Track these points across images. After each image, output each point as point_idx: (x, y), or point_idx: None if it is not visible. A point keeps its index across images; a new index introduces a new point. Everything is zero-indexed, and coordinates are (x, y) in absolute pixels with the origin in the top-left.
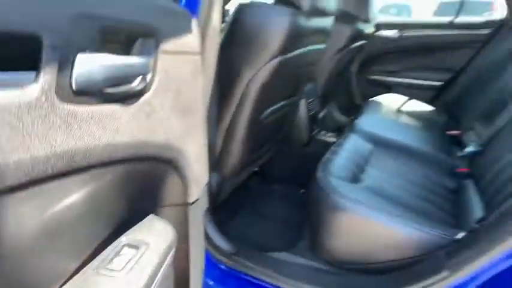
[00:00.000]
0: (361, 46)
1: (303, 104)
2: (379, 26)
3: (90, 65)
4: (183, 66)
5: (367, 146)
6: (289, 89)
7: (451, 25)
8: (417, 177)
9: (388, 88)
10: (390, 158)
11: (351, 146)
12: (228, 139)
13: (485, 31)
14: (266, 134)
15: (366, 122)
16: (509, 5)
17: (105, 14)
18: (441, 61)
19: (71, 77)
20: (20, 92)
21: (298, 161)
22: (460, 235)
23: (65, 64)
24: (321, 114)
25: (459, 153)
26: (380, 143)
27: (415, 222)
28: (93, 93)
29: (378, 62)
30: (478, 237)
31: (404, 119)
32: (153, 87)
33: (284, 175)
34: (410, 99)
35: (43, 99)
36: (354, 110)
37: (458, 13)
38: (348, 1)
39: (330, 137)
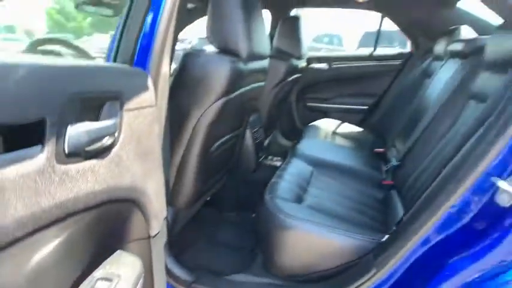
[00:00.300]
0: (297, 78)
1: (248, 134)
2: (310, 60)
3: (76, 132)
4: (142, 119)
5: (308, 168)
6: (235, 123)
7: (371, 57)
8: (351, 192)
9: (324, 113)
10: (328, 177)
11: (294, 170)
12: (180, 174)
13: (398, 61)
14: (216, 165)
15: (306, 146)
16: (412, 41)
17: (87, 89)
18: (366, 88)
19: (64, 144)
20: (33, 161)
21: (247, 187)
22: (385, 237)
23: (61, 136)
24: (266, 141)
25: (384, 168)
26: (319, 165)
27: (349, 232)
28: (79, 153)
29: (312, 90)
30: (396, 236)
31: (339, 140)
32: (120, 140)
33: (235, 202)
34: (342, 122)
35: (47, 164)
36: (296, 134)
37: (375, 47)
38: (282, 41)
39: (276, 161)
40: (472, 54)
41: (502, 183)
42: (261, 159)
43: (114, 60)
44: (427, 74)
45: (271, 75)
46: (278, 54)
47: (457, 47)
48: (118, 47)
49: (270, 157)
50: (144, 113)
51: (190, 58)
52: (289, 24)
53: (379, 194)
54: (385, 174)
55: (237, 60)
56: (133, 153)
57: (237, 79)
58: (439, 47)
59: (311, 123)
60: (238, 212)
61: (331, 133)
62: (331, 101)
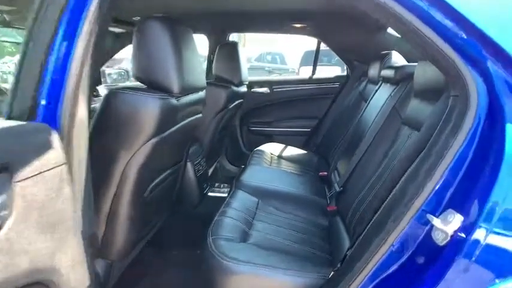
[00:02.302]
0: (239, 104)
1: (189, 167)
2: (252, 84)
3: None
4: (44, 185)
5: (253, 200)
6: (173, 158)
7: (310, 80)
8: (297, 222)
9: (269, 137)
10: (274, 208)
11: (238, 203)
12: (111, 223)
13: (336, 84)
14: (153, 208)
15: (250, 175)
16: (347, 65)
17: None
18: (307, 110)
19: None
20: None
21: (192, 223)
22: (331, 274)
23: None
24: (211, 170)
25: (328, 194)
26: (264, 195)
27: (295, 270)
28: None
29: (255, 115)
30: (342, 272)
31: (284, 164)
32: (10, 220)
33: (179, 239)
34: (286, 146)
35: None
36: (242, 159)
37: (314, 71)
38: (221, 68)
39: (223, 189)
40: (403, 81)
41: (436, 221)
42: (205, 191)
43: (9, 116)
44: (364, 97)
45: (211, 103)
46: (218, 82)
47: (389, 73)
48: (14, 95)
49: (217, 185)
50: (48, 176)
51: (115, 96)
52: (227, 51)
53: (324, 221)
54: (329, 199)
55: (168, 96)
56: (33, 229)
57: (169, 117)
58: (373, 71)
59: (256, 149)
60: (183, 249)
61: (276, 157)
62: (275, 124)
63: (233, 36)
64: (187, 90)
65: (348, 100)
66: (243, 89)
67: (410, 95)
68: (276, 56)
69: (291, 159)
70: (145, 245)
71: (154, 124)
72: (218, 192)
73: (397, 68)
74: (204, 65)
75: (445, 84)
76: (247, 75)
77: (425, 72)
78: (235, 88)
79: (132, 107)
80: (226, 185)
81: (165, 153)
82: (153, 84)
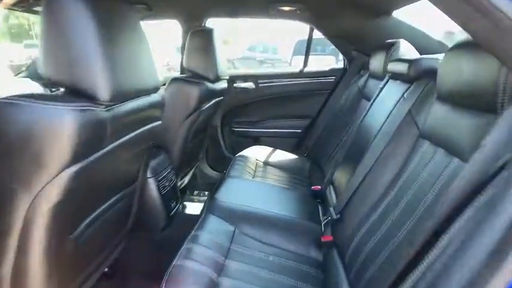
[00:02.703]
0: (219, 101)
1: (152, 184)
2: (233, 79)
3: None
4: None
5: (227, 230)
6: (118, 183)
7: (301, 74)
8: (284, 259)
9: (254, 139)
10: (254, 240)
11: (208, 237)
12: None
13: (332, 78)
14: (91, 247)
15: (227, 193)
16: (345, 56)
17: None
18: (298, 109)
19: None
20: None
21: (157, 247)
22: None
23: None
24: (188, 178)
25: (323, 221)
26: (243, 220)
27: None
28: None
29: (239, 114)
30: None
31: (271, 174)
32: None
33: (143, 269)
34: (274, 149)
35: None
36: (224, 164)
37: (306, 63)
38: (193, 60)
39: (203, 197)
40: (418, 78)
41: None
42: (175, 209)
43: None
44: (364, 95)
45: (180, 104)
46: (189, 78)
47: (399, 67)
48: None
49: (196, 193)
50: None
51: (5, 109)
52: (200, 39)
53: (318, 255)
54: (323, 226)
55: (93, 106)
56: None
57: (100, 133)
58: (376, 64)
59: (238, 154)
60: (147, 280)
61: (262, 164)
62: (261, 124)
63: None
64: (127, 95)
65: (345, 97)
66: (222, 84)
67: (430, 99)
68: (268, 46)
69: (279, 167)
70: (100, 277)
71: (71, 147)
72: (198, 201)
73: (410, 62)
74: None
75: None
76: (226, 69)
77: (459, 67)
78: (210, 85)
79: (34, 122)
80: (206, 192)
81: (100, 180)
82: (72, 90)
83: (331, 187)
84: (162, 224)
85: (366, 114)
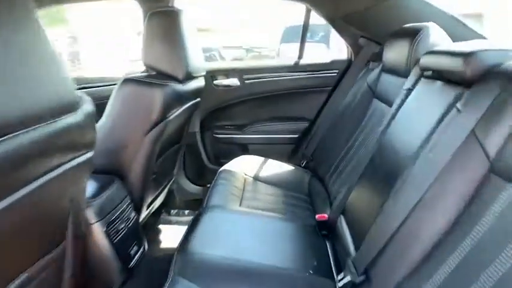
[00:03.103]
0: (195, 104)
1: (98, 231)
2: (213, 74)
3: None
4: None
5: None
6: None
7: (296, 68)
8: None
9: (242, 146)
10: None
11: None
12: None
13: (334, 73)
14: None
15: (204, 237)
16: (350, 45)
17: None
18: (294, 109)
19: None
20: None
21: None
22: None
23: None
24: (156, 204)
25: (338, 281)
26: (224, 283)
27: None
28: None
29: (222, 116)
30: None
31: (263, 191)
32: None
33: None
34: (266, 160)
35: None
36: (207, 176)
37: (301, 54)
38: (151, 53)
39: (182, 217)
40: (479, 81)
41: None
42: (138, 255)
43: None
44: (378, 94)
45: (138, 113)
46: (147, 78)
47: (446, 62)
48: None
49: (174, 212)
50: None
51: None
52: (162, 24)
53: None
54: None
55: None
56: None
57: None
58: (393, 55)
59: (222, 169)
60: None
61: (252, 180)
62: (249, 129)
63: None
64: None
65: (351, 95)
66: (197, 83)
67: (505, 115)
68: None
69: (272, 182)
70: None
71: None
72: (177, 223)
73: (466, 56)
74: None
75: None
76: (202, 63)
77: None
78: (179, 86)
79: None
80: (186, 211)
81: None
82: None
83: (343, 218)
84: (117, 280)
85: (387, 125)
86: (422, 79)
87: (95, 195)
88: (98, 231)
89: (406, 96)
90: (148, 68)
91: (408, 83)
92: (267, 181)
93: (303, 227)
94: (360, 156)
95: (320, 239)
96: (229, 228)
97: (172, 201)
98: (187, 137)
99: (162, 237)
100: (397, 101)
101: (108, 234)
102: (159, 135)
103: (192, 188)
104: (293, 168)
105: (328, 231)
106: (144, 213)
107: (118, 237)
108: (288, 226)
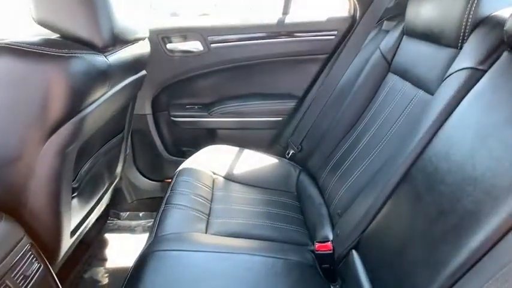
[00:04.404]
0: (136, 81)
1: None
2: (166, 34)
3: None
4: None
5: None
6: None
7: (280, 27)
8: None
9: (210, 133)
10: None
11: None
12: None
13: (330, 35)
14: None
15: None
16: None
17: None
18: (277, 84)
19: None
20: None
21: None
22: None
23: None
24: (107, 195)
25: None
26: None
27: None
28: None
29: (181, 93)
30: None
31: (239, 200)
32: None
33: None
34: (241, 150)
35: None
36: (164, 166)
37: (286, 8)
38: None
39: (133, 221)
40: None
41: None
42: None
43: None
44: (396, 68)
45: (26, 106)
46: (43, 44)
47: None
48: None
49: (125, 215)
50: None
51: None
52: None
53: None
54: None
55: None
56: None
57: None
58: (429, 13)
59: (183, 166)
60: None
61: (222, 181)
62: (217, 109)
63: None
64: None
65: (355, 66)
66: (137, 50)
67: None
68: None
69: (250, 183)
70: None
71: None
72: (129, 231)
73: None
74: None
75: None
76: (143, 18)
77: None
78: (98, 58)
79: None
80: (141, 214)
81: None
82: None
83: (355, 254)
84: None
85: (436, 119)
86: (507, 54)
87: None
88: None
89: (471, 79)
90: (46, 27)
91: (469, 58)
92: (243, 181)
93: (299, 266)
94: (365, 146)
95: (323, 285)
96: (186, 281)
97: (121, 203)
98: (135, 121)
99: (107, 253)
100: (454, 86)
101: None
102: (71, 139)
103: (147, 184)
104: (276, 161)
105: (331, 265)
106: (67, 246)
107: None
108: (277, 268)
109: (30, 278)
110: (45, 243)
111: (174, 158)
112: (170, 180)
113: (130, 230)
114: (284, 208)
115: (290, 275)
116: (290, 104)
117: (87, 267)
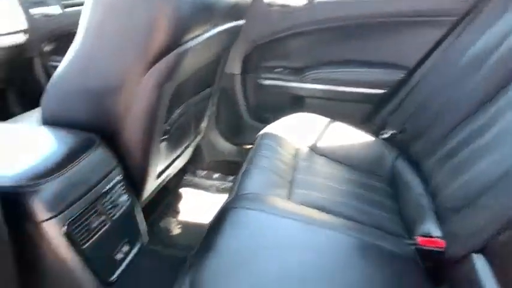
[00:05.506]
0: (234, 29)
1: (52, 234)
2: None
3: None
4: None
5: None
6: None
7: None
8: None
9: (298, 100)
10: None
11: None
12: None
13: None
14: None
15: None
16: None
17: None
18: (383, 50)
19: None
20: None
21: None
22: None
23: None
24: (187, 152)
25: None
26: None
27: None
28: None
29: (273, 53)
30: None
31: (326, 175)
32: None
33: None
34: (330, 122)
35: None
36: (247, 131)
37: None
38: None
39: (210, 181)
40: None
41: None
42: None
43: None
44: None
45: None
46: None
47: None
48: None
49: (203, 173)
50: None
51: None
52: None
53: None
54: None
55: None
56: None
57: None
58: None
59: (266, 130)
60: None
61: (308, 152)
62: (310, 75)
63: None
64: None
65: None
66: None
67: None
68: None
69: (339, 158)
70: None
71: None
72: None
73: None
74: None
75: None
76: None
77: None
78: None
79: None
80: (216, 175)
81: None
82: None
83: (479, 259)
84: None
85: None
86: None
87: (53, 170)
88: (52, 235)
89: None
90: None
91: None
92: (330, 155)
93: (396, 257)
94: (502, 146)
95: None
96: (268, 243)
97: (199, 160)
98: (222, 79)
99: (181, 206)
100: None
101: (72, 237)
102: (168, 74)
103: (226, 147)
104: (370, 139)
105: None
106: (152, 188)
107: (92, 239)
108: (370, 254)
109: (118, 209)
110: (133, 179)
111: (256, 123)
112: (248, 146)
113: (205, 188)
114: (374, 191)
115: (385, 264)
116: (395, 76)
117: (163, 216)
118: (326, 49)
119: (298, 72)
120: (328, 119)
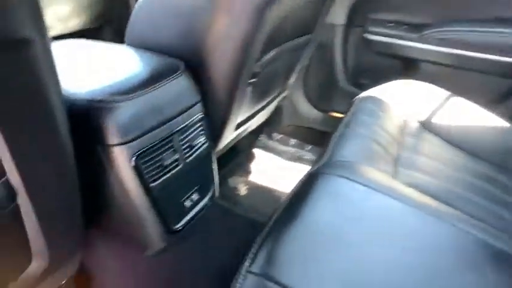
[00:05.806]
0: None
1: (123, 164)
2: None
3: None
4: None
5: None
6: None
7: None
8: None
9: (409, 63)
10: None
11: None
12: None
13: None
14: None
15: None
16: None
17: None
18: None
19: None
20: None
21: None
22: None
23: None
24: (251, 124)
25: None
26: None
27: None
28: None
29: (384, 5)
30: None
31: (436, 154)
32: None
33: None
34: (452, 95)
35: None
36: (338, 99)
37: None
38: None
39: (288, 147)
40: None
41: None
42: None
43: None
44: None
45: None
46: None
47: None
48: None
49: (278, 137)
50: None
51: None
52: None
53: None
54: None
55: None
56: None
57: None
58: None
59: (366, 93)
60: None
61: (417, 129)
62: (430, 33)
63: None
64: None
65: None
66: None
67: None
68: None
69: (457, 142)
70: None
71: None
72: (278, 153)
73: None
74: None
75: None
76: None
77: None
78: None
79: None
80: (293, 141)
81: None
82: None
83: None
84: (157, 243)
85: None
86: None
87: (132, 89)
88: (122, 164)
89: None
90: None
91: None
92: (446, 136)
93: None
94: None
95: None
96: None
97: (277, 122)
98: (318, 33)
99: (252, 167)
100: None
101: (139, 172)
102: (265, 5)
103: (310, 112)
104: (506, 125)
105: None
106: (229, 138)
107: (162, 178)
108: (498, 258)
109: (194, 150)
110: (213, 122)
111: (352, 88)
112: (337, 114)
113: (278, 153)
114: (506, 192)
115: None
116: None
117: (231, 174)
118: (458, 2)
119: (416, 29)
120: (448, 92)
